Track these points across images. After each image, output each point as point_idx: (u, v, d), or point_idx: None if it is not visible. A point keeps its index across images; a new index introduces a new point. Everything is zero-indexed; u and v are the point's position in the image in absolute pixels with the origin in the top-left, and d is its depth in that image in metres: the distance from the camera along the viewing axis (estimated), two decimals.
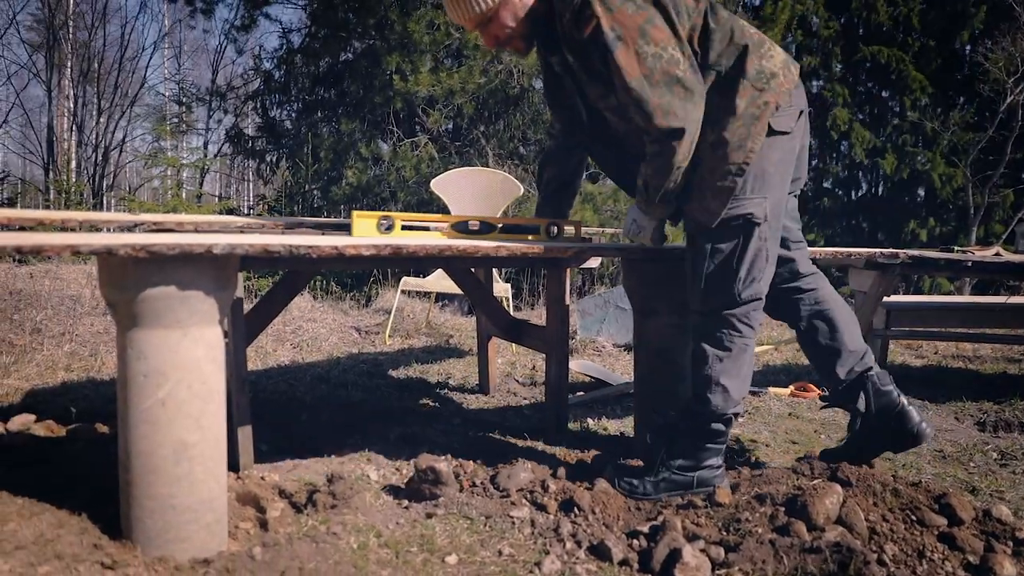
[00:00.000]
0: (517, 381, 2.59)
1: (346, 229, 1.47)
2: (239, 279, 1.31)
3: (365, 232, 1.38)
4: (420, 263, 1.57)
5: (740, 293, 1.30)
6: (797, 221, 1.44)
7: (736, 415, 1.33)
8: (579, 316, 3.53)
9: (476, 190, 3.31)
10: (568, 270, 1.88)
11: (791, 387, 2.41)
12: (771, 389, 2.38)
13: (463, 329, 3.94)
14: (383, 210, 6.04)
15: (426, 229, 1.61)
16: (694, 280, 1.33)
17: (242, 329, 1.50)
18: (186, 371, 1.06)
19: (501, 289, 3.15)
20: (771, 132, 1.23)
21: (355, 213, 1.34)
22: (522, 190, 3.28)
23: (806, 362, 2.92)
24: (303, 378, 2.47)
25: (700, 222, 1.30)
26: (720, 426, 1.32)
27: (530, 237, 1.60)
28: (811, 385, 2.40)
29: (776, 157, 1.25)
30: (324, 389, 2.33)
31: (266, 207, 6.93)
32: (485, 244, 1.33)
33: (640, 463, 1.49)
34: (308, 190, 6.55)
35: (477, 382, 2.47)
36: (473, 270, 2.27)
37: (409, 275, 3.54)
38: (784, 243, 1.42)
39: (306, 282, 1.66)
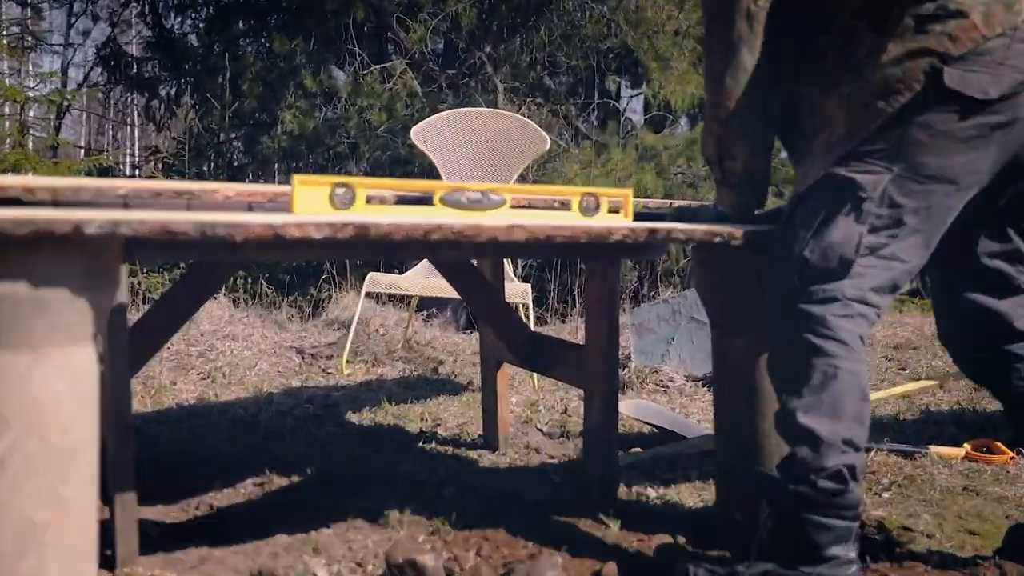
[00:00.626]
0: (541, 431, 2.59)
1: (283, 203, 1.46)
2: (122, 275, 1.31)
3: (312, 206, 1.36)
4: (395, 252, 1.56)
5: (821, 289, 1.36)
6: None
7: (851, 471, 1.32)
8: (634, 334, 3.53)
9: (479, 143, 3.33)
10: (618, 264, 1.88)
11: (966, 446, 2.31)
12: (934, 448, 2.30)
13: (459, 352, 3.95)
14: (339, 173, 6.11)
15: (407, 203, 1.60)
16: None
17: (125, 350, 1.50)
18: (38, 414, 1.05)
19: (517, 292, 3.16)
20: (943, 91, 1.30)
21: (297, 178, 1.32)
22: (548, 142, 3.29)
23: (989, 405, 2.88)
24: (217, 425, 2.48)
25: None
26: (829, 485, 1.32)
27: (557, 214, 1.58)
28: (999, 444, 2.32)
29: (943, 126, 1.31)
30: (248, 442, 2.34)
31: (160, 166, 6.99)
32: (493, 223, 1.31)
33: (728, 555, 1.50)
34: (225, 141, 6.61)
35: (480, 431, 2.48)
36: (475, 263, 2.26)
37: (378, 270, 3.56)
38: (994, 283, 1.48)
39: (223, 280, 1.66)
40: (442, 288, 3.07)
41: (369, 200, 1.51)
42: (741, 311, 1.56)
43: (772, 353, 1.45)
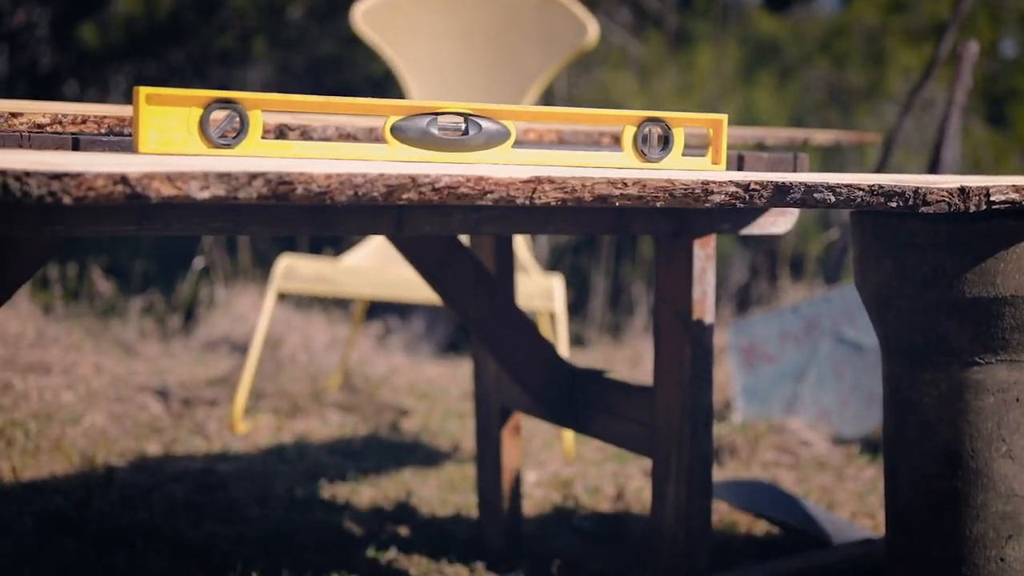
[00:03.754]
0: (579, 529, 2.61)
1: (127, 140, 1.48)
2: None
3: (170, 142, 1.38)
4: (331, 220, 1.57)
5: None
6: None
7: None
8: (740, 364, 3.54)
9: (472, 32, 3.34)
10: (709, 242, 1.90)
11: None
12: None
13: (437, 394, 3.96)
14: (220, 85, 6.07)
15: (338, 138, 1.60)
16: None
17: None
18: None
19: (538, 290, 3.18)
20: None
21: (143, 92, 1.34)
22: (593, 32, 3.30)
23: None
24: (13, 522, 2.49)
25: None
26: None
27: (601, 157, 1.60)
28: None
29: None
30: (70, 551, 2.35)
31: None
32: (501, 174, 1.33)
33: None
34: (24, 28, 6.60)
35: (476, 523, 2.48)
36: (465, 239, 2.27)
37: (293, 250, 3.57)
38: None
39: (26, 273, 1.68)
40: (407, 285, 3.08)
41: (266, 133, 1.53)
42: (945, 327, 1.57)
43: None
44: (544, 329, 3.44)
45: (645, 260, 5.82)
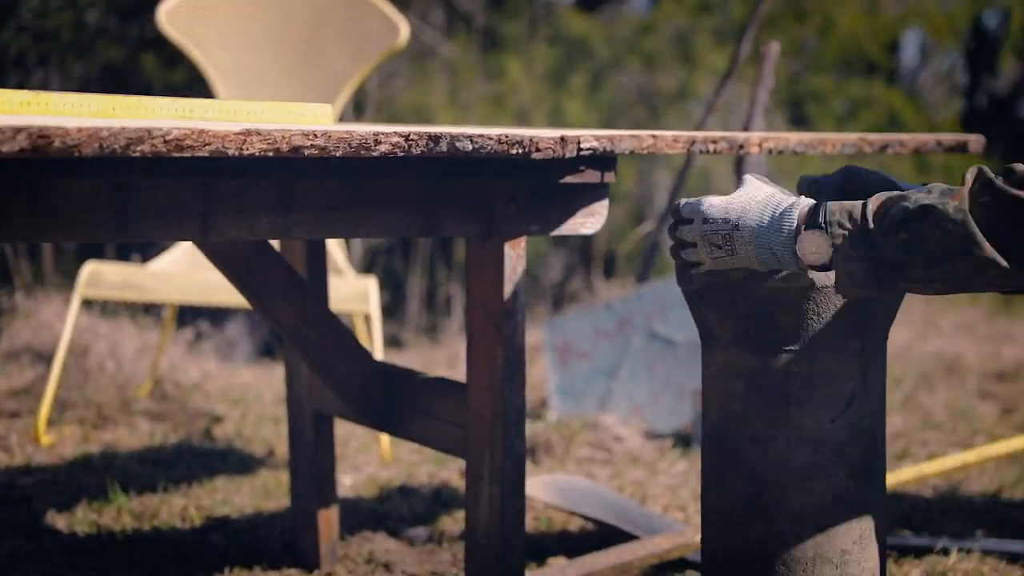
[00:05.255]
0: (395, 533, 2.61)
1: None
2: None
3: None
4: (135, 227, 1.54)
5: None
6: None
7: None
8: (555, 362, 3.57)
9: (279, 31, 3.31)
10: (520, 243, 1.91)
11: None
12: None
13: (249, 399, 3.90)
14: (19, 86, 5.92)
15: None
16: None
17: None
18: None
19: (353, 293, 3.17)
20: None
21: None
22: (403, 32, 3.30)
23: None
24: None
25: None
26: None
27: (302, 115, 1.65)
28: None
29: None
30: None
31: None
32: (220, 127, 1.46)
33: None
34: None
35: (289, 533, 2.48)
36: (276, 244, 2.25)
37: (102, 257, 3.49)
38: None
39: None
40: (217, 290, 3.04)
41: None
42: (705, 313, 1.63)
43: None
44: (360, 332, 3.42)
45: (460, 261, 5.84)
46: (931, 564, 2.36)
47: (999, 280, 1.42)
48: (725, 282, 1.60)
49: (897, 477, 2.69)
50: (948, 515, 2.74)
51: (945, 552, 2.40)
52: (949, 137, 2.30)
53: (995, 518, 2.70)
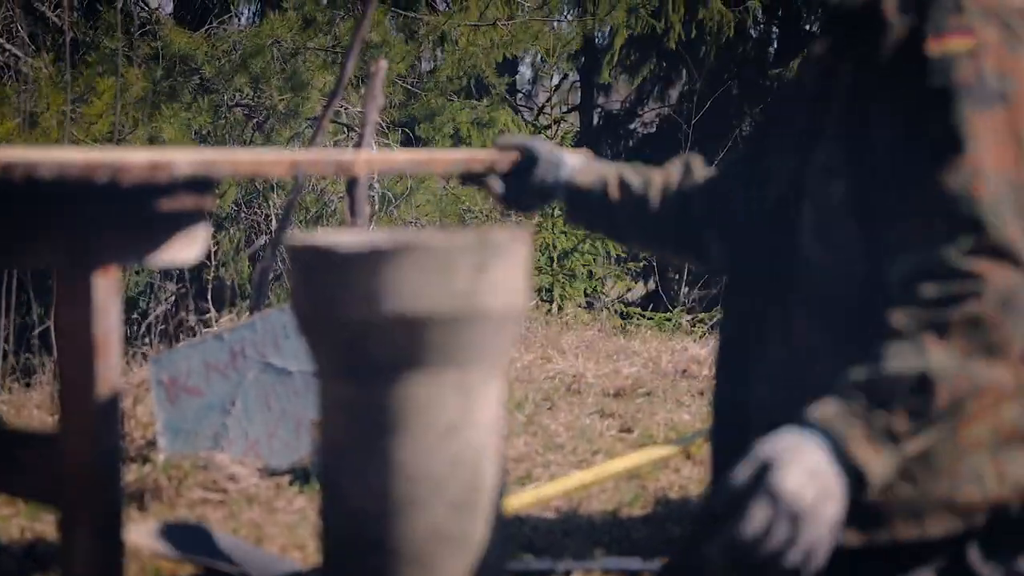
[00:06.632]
0: None
1: None
2: None
3: None
4: None
5: None
6: None
7: None
8: (159, 401, 3.45)
9: None
10: (112, 273, 1.85)
11: None
12: None
13: None
14: None
15: None
16: None
17: None
18: None
19: None
20: None
21: None
22: None
23: None
24: None
25: None
26: None
27: None
28: None
29: None
30: None
31: None
32: None
33: None
34: None
35: None
36: None
37: None
38: None
39: None
40: None
41: None
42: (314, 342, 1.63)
43: None
44: None
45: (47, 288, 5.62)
46: None
47: None
48: (327, 313, 1.63)
49: (520, 501, 2.73)
50: (570, 535, 2.81)
51: (567, 574, 2.45)
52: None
53: (613, 536, 2.79)
